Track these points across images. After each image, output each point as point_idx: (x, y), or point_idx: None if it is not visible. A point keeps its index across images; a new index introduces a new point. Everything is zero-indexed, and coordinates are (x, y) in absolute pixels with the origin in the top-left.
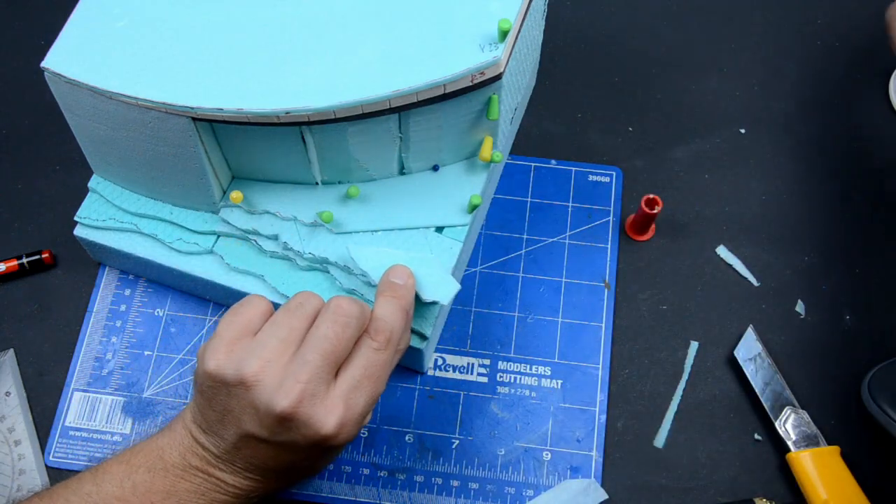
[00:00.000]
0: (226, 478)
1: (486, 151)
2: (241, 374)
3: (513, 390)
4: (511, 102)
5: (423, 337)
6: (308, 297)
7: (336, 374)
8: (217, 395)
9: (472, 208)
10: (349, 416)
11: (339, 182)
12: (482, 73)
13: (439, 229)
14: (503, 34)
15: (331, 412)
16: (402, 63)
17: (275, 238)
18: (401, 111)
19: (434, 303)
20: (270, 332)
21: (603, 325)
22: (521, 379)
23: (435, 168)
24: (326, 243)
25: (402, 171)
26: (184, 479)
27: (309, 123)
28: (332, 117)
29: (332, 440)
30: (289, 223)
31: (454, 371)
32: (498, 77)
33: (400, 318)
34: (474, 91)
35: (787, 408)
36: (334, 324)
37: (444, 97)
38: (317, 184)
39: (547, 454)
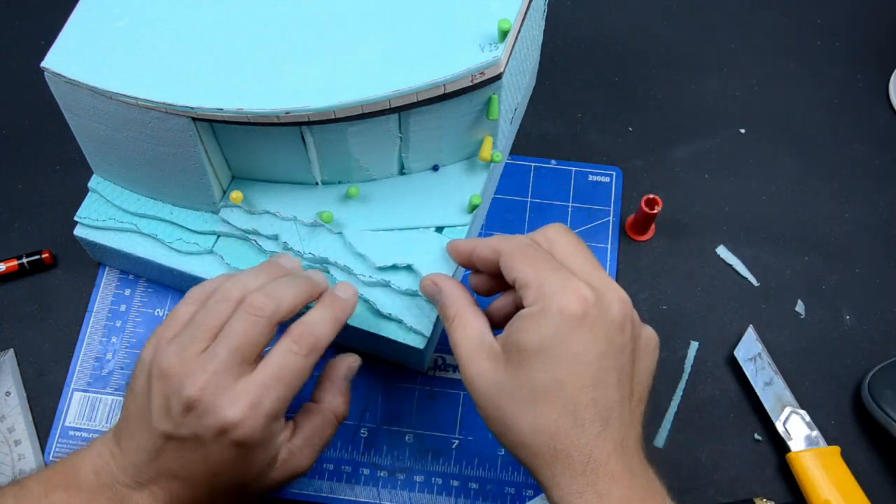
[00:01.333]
0: (137, 498)
1: (486, 151)
2: (161, 366)
3: None
4: (511, 102)
5: (423, 337)
6: (230, 288)
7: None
8: (140, 389)
9: (473, 208)
10: (254, 412)
11: (339, 182)
12: (482, 73)
13: (439, 229)
14: (503, 34)
15: (234, 403)
16: (402, 63)
17: (275, 238)
18: (401, 111)
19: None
20: (189, 330)
21: None
22: None
23: (435, 168)
24: (327, 243)
25: (402, 171)
26: (95, 499)
27: (309, 123)
28: (332, 117)
29: (234, 430)
30: (289, 223)
31: (454, 371)
32: (498, 77)
33: (329, 326)
34: (474, 91)
35: (787, 408)
36: (244, 321)
37: (444, 97)
38: (317, 184)
39: None
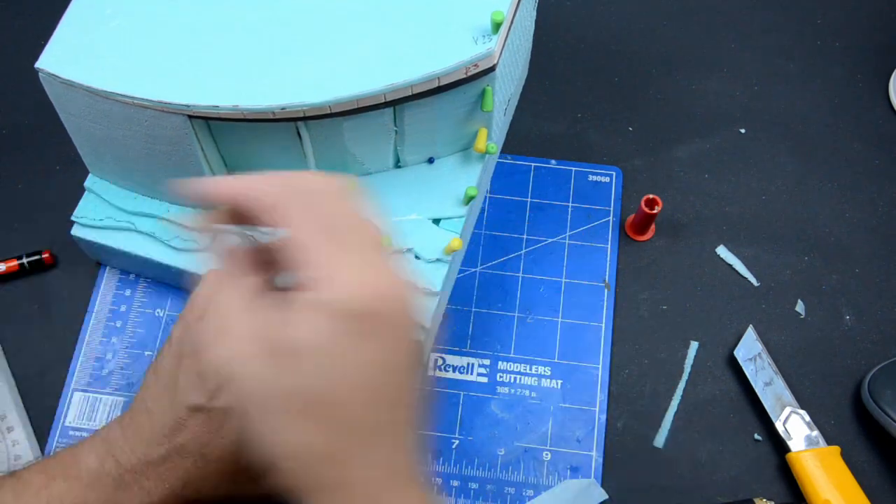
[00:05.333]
0: (142, 483)
1: (481, 143)
2: (193, 345)
3: (513, 390)
4: (505, 93)
5: (421, 328)
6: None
7: None
8: (166, 368)
9: (468, 200)
10: None
11: None
12: (476, 66)
13: (436, 221)
14: (496, 26)
15: None
16: (397, 57)
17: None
18: (396, 105)
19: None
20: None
21: (603, 325)
22: (520, 379)
23: (430, 160)
24: None
25: (397, 164)
26: (95, 487)
27: (304, 119)
28: (328, 112)
29: None
30: None
31: (454, 371)
32: (492, 69)
33: None
34: (468, 83)
35: (787, 408)
36: None
37: (439, 90)
38: None
39: (547, 454)
